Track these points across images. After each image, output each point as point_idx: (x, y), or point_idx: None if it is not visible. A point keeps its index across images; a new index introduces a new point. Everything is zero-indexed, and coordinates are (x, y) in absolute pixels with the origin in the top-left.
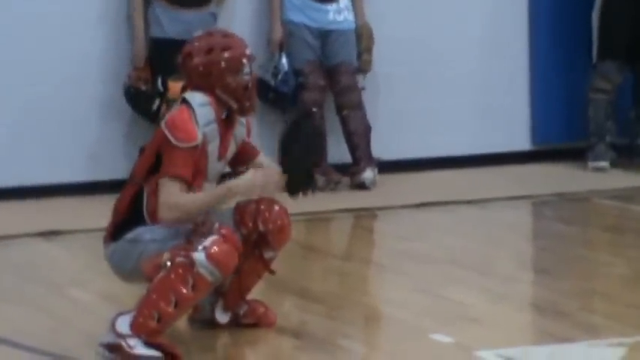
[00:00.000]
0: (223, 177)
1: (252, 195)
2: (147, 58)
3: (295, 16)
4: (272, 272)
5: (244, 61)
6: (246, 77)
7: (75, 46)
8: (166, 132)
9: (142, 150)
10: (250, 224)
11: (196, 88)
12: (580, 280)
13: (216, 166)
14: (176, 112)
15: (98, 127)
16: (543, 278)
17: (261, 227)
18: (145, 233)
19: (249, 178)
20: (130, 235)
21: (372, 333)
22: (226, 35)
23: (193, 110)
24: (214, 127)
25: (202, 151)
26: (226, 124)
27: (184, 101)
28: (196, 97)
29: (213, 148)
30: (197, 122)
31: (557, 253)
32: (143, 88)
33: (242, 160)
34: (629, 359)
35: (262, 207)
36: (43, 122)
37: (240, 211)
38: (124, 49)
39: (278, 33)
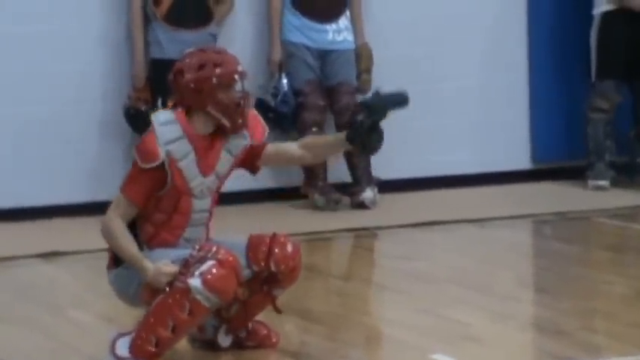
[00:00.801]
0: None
1: (153, 284)
2: (147, 78)
3: (295, 37)
4: (279, 312)
5: (236, 77)
6: (239, 94)
7: (75, 66)
8: (134, 153)
9: None
10: (262, 263)
11: (188, 105)
12: (581, 300)
13: (202, 181)
14: (145, 134)
15: (99, 147)
16: (544, 297)
17: (273, 267)
18: (149, 257)
19: (153, 273)
20: None
21: (372, 354)
22: (218, 52)
23: (155, 130)
24: (183, 142)
25: (173, 169)
26: (213, 138)
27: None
28: (160, 116)
29: (187, 163)
30: (158, 141)
31: (557, 272)
32: (143, 108)
33: (252, 160)
34: None
35: (275, 246)
36: (43, 143)
37: (253, 247)
38: (125, 70)
39: (278, 53)
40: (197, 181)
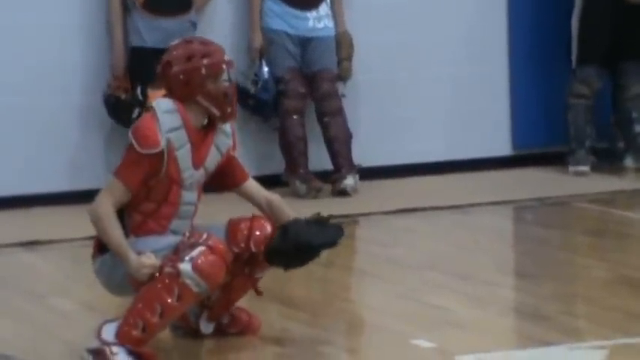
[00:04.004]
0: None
1: (135, 276)
2: (126, 66)
3: (275, 24)
4: (260, 294)
5: (224, 67)
6: (226, 83)
7: (54, 55)
8: (131, 138)
9: None
10: (242, 245)
11: (178, 96)
12: (561, 284)
13: (193, 173)
14: (142, 119)
15: (78, 136)
16: (524, 282)
17: (253, 248)
18: (135, 245)
19: (136, 264)
20: None
21: (354, 340)
22: (204, 42)
23: (158, 117)
24: (182, 133)
25: (170, 158)
26: (205, 132)
27: (151, 109)
28: (162, 104)
29: (183, 154)
30: (160, 129)
31: (537, 257)
32: (123, 96)
33: (229, 182)
34: None
35: (255, 228)
36: (23, 132)
37: (232, 229)
38: (104, 59)
39: (258, 40)
40: (188, 173)
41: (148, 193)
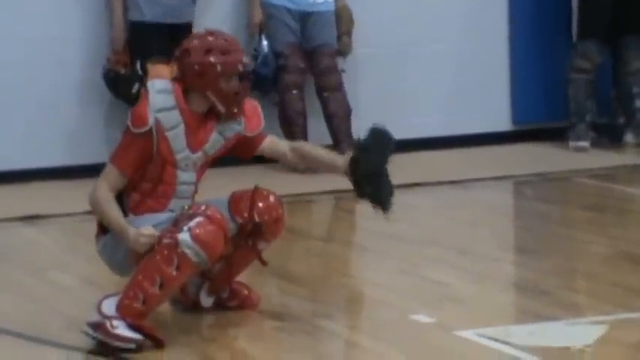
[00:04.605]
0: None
1: (134, 247)
2: (126, 41)
3: None
4: (265, 263)
5: (240, 68)
6: (238, 83)
7: (54, 30)
8: (128, 117)
9: None
10: (246, 215)
11: (188, 84)
12: (561, 259)
13: (188, 155)
14: (141, 99)
15: (78, 111)
16: (524, 257)
17: (256, 218)
18: (133, 222)
19: (134, 235)
20: None
21: (353, 314)
22: (226, 39)
23: (149, 96)
24: (174, 113)
25: (160, 137)
26: (205, 117)
27: (146, 89)
28: (157, 84)
29: (176, 134)
30: (150, 108)
31: (538, 232)
32: (122, 71)
33: (246, 150)
34: (610, 337)
35: (258, 198)
36: (22, 106)
37: (235, 201)
38: (104, 33)
39: (257, 15)
40: (184, 154)
41: (143, 173)
